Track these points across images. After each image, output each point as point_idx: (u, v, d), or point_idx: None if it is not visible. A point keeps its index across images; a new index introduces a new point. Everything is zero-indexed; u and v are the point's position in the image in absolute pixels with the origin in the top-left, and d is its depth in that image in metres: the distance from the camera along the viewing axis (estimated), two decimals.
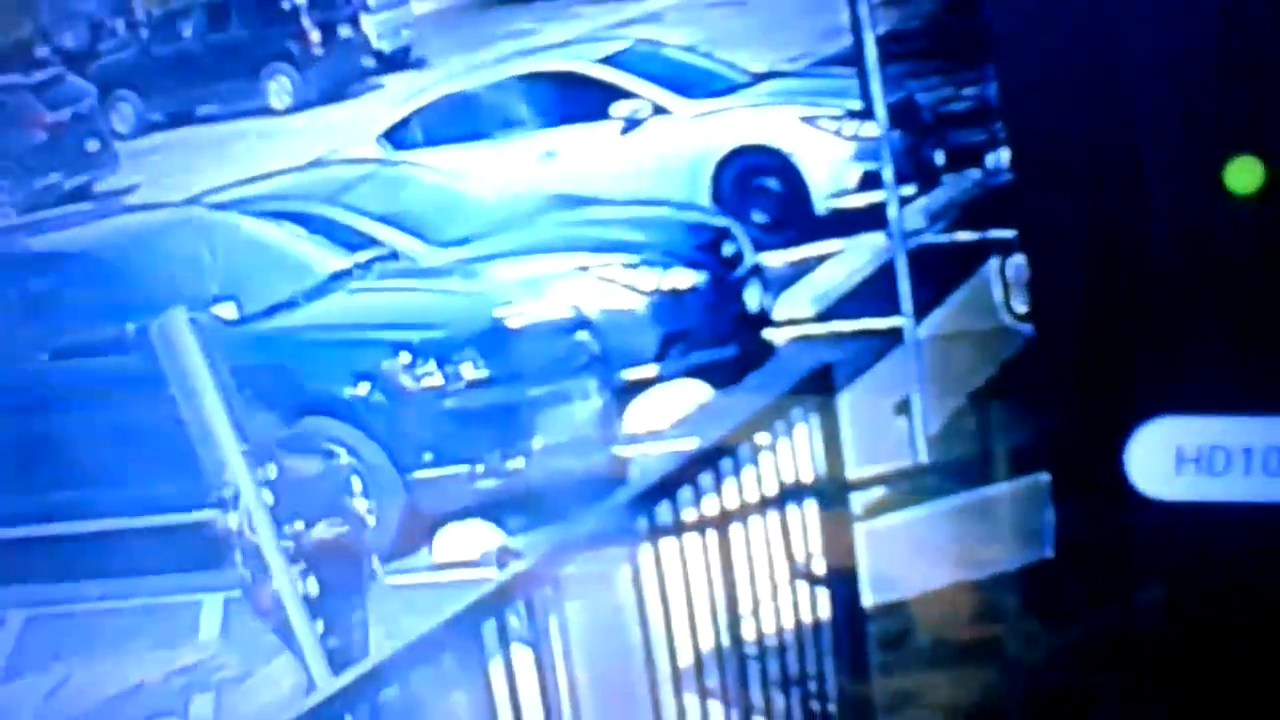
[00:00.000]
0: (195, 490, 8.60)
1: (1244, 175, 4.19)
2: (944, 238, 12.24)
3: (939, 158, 14.14)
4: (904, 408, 9.12)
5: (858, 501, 6.91)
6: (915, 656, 6.83)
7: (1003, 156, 9.76)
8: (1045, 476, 5.24)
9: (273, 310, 10.52)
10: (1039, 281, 4.62)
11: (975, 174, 13.43)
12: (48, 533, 10.32)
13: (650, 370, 11.01)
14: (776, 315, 12.19)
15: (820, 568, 5.74)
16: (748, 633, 5.42)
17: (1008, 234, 8.35)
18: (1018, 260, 8.12)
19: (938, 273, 10.56)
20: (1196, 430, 4.33)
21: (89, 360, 10.37)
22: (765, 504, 5.59)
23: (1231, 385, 4.32)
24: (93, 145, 21.80)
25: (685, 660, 5.24)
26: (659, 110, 14.67)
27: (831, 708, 5.72)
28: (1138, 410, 4.35)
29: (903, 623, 7.02)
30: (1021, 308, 8.56)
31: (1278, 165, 4.20)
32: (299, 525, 6.48)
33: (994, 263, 9.28)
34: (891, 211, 9.45)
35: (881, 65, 9.30)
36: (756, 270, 12.10)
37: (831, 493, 5.76)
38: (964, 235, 12.03)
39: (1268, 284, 4.28)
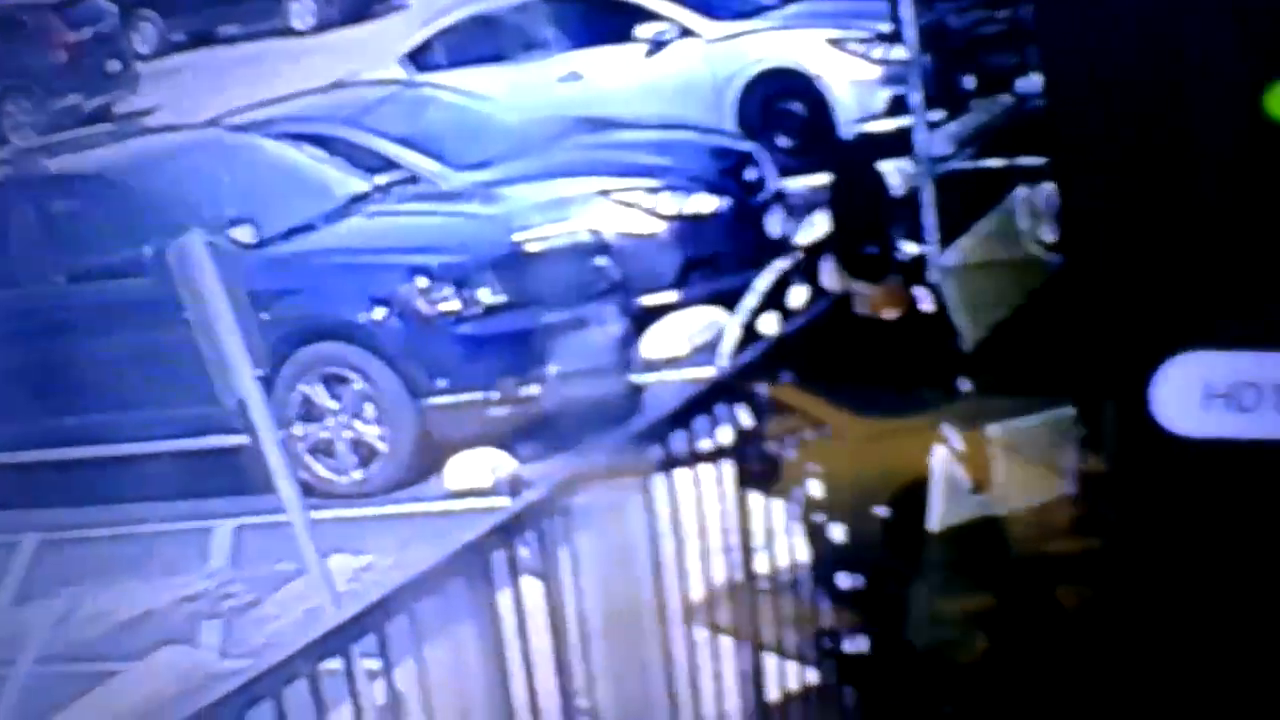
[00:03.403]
0: (208, 415, 8.56)
1: None
2: (971, 164, 12.04)
3: (969, 82, 13.89)
4: None
5: None
6: (930, 591, 6.75)
7: (1034, 82, 9.59)
8: (1069, 410, 5.16)
9: (290, 233, 10.41)
10: (1068, 211, 4.52)
11: (1006, 99, 13.20)
12: (62, 457, 10.27)
13: (670, 296, 10.88)
14: (799, 242, 12.04)
15: None
16: (760, 567, 5.35)
17: (1037, 161, 8.20)
18: (1047, 188, 7.99)
19: (964, 200, 10.40)
20: (1225, 365, 4.24)
21: (106, 283, 10.29)
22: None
23: (1262, 320, 4.22)
24: (113, 66, 21.56)
25: (697, 594, 5.18)
26: (685, 32, 14.44)
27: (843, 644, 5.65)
28: (1165, 344, 4.26)
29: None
30: (1049, 237, 8.42)
31: None
32: None
33: (1022, 191, 9.11)
34: (919, 137, 9.28)
35: None
36: (779, 196, 11.94)
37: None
38: (992, 162, 11.84)
39: None
